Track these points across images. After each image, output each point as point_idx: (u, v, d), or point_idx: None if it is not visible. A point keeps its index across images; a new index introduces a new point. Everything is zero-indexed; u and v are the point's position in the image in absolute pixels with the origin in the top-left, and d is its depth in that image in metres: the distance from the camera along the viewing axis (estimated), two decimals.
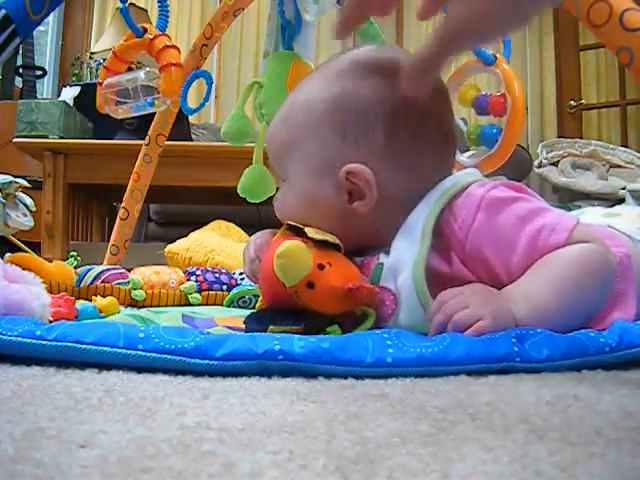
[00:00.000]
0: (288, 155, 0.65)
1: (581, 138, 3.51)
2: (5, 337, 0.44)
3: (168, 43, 1.04)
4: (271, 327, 0.56)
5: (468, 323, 0.49)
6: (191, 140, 2.45)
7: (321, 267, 0.56)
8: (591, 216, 0.78)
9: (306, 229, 0.59)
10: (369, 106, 0.60)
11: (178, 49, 1.06)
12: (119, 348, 0.43)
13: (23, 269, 0.65)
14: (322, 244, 0.59)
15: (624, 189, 2.75)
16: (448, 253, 0.59)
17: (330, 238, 0.59)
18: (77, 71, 3.69)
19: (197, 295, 1.07)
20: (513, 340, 0.45)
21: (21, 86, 3.19)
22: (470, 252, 0.57)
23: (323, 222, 0.62)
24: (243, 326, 0.62)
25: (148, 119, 1.44)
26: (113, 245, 1.47)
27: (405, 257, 0.58)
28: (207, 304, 1.07)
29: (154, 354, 0.42)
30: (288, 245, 0.55)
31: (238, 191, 1.02)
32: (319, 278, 0.55)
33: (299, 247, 0.56)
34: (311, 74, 0.67)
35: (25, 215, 1.22)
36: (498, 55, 0.93)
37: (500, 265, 0.57)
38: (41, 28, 3.67)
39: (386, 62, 0.63)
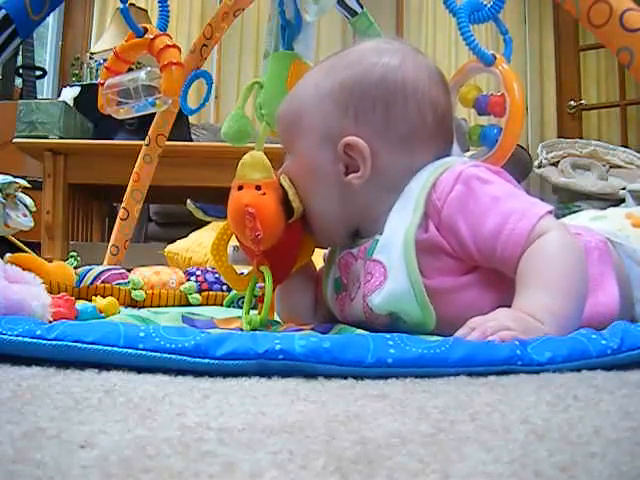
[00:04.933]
0: (294, 128, 0.68)
1: (581, 138, 3.52)
2: (5, 336, 0.44)
3: (169, 42, 1.04)
4: (189, 202, 0.68)
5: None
6: (191, 140, 2.45)
7: (258, 188, 0.63)
8: (579, 220, 0.79)
9: (282, 179, 0.65)
10: (372, 88, 0.64)
11: (179, 48, 1.06)
12: (119, 347, 0.43)
13: (23, 269, 0.65)
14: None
15: (624, 189, 2.75)
16: (426, 220, 0.61)
17: (292, 195, 0.64)
18: (77, 71, 3.69)
19: (197, 295, 1.07)
20: (516, 343, 0.45)
21: (21, 86, 3.19)
22: (445, 220, 0.60)
23: (321, 194, 0.65)
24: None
25: (148, 119, 1.44)
26: (113, 245, 1.47)
27: (398, 230, 0.60)
28: (207, 304, 1.07)
29: (154, 353, 0.42)
30: (258, 152, 0.66)
31: None
32: (250, 193, 0.63)
33: (264, 159, 0.65)
34: (323, 62, 0.71)
35: (25, 215, 1.22)
36: (498, 55, 0.93)
37: (469, 238, 0.59)
38: (41, 28, 3.67)
39: (392, 51, 0.66)
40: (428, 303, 0.59)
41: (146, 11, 3.05)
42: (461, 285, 0.60)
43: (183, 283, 1.08)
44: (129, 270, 1.09)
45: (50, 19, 3.76)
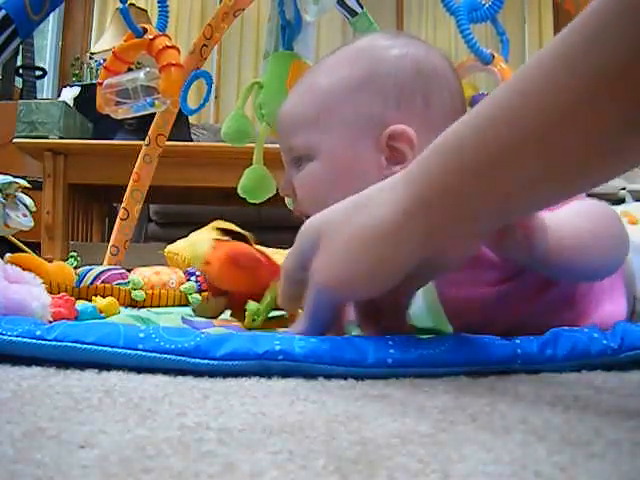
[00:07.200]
0: (318, 125, 0.61)
1: None
2: (5, 337, 0.44)
3: (168, 43, 1.04)
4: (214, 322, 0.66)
5: None
6: (191, 140, 2.45)
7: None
8: None
9: (216, 222, 0.69)
10: (408, 78, 0.61)
11: (178, 49, 1.06)
12: (119, 348, 0.43)
13: (23, 269, 0.65)
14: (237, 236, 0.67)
15: (624, 189, 2.75)
16: None
17: (237, 229, 0.67)
18: (77, 71, 3.69)
19: (197, 295, 1.07)
20: (517, 342, 0.45)
21: (21, 86, 3.19)
22: None
23: (353, 192, 0.60)
24: (239, 325, 0.63)
25: (148, 119, 1.44)
26: (113, 245, 1.47)
27: None
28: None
29: (154, 354, 0.42)
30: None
31: (238, 191, 1.02)
32: (211, 254, 0.66)
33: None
34: (331, 56, 0.66)
35: (25, 215, 1.22)
36: (496, 54, 0.93)
37: None
38: (41, 28, 3.67)
39: (409, 43, 0.63)
40: (446, 322, 0.56)
41: (146, 11, 3.05)
42: (490, 295, 0.57)
43: (183, 283, 1.07)
44: (129, 270, 1.09)
45: (50, 19, 3.76)
